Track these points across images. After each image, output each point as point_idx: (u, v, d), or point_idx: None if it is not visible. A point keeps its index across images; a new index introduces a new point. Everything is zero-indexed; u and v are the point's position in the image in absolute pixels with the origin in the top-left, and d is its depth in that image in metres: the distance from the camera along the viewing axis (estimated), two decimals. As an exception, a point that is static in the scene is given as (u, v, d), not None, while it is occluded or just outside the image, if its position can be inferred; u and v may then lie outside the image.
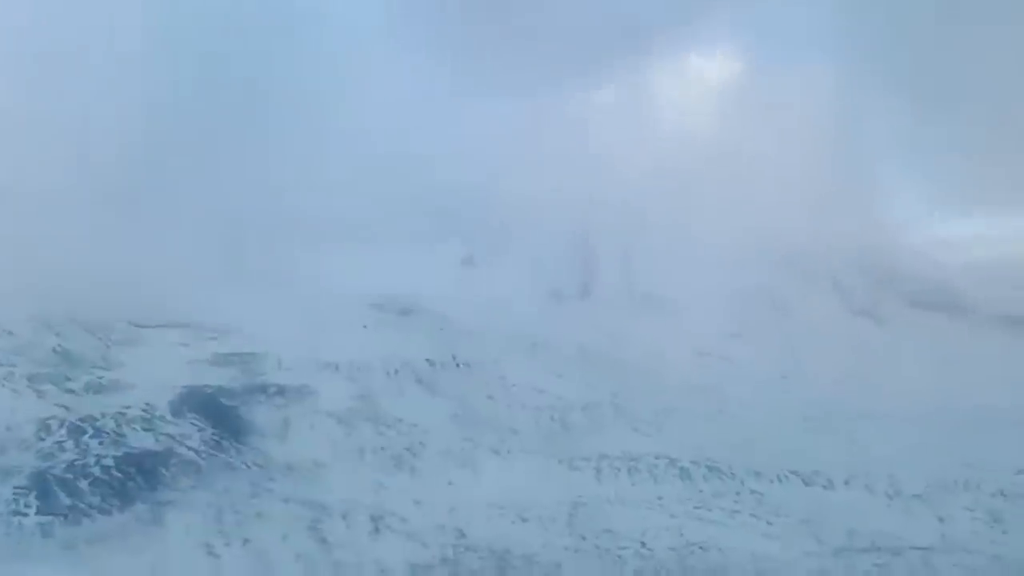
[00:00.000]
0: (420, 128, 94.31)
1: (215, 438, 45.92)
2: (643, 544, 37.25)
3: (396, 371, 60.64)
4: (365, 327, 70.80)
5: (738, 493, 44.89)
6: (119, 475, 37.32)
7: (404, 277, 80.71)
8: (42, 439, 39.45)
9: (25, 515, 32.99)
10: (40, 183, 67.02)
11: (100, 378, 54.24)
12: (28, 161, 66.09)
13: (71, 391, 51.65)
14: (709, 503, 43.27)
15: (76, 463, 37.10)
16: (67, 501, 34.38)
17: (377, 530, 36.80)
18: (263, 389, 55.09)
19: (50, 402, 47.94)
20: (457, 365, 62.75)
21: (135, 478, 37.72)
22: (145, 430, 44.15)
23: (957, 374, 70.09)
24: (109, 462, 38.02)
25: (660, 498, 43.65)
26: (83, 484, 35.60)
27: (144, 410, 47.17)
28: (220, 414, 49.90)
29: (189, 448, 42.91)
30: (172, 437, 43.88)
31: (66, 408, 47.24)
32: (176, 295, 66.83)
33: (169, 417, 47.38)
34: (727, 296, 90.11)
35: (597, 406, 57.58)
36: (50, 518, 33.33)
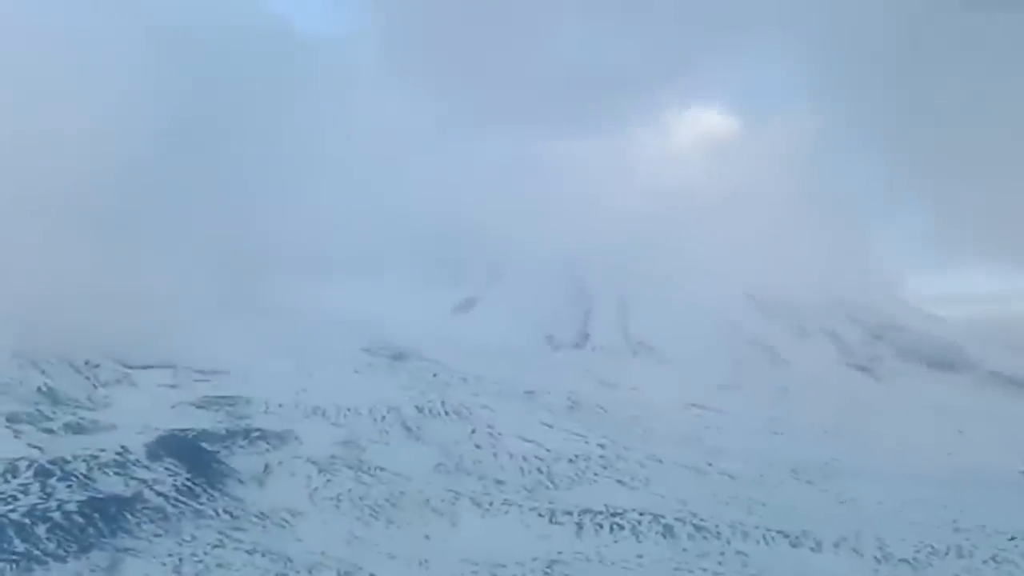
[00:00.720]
0: (417, 171, 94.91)
1: (188, 484, 45.04)
2: (617, 606, 36.06)
3: (383, 417, 59.83)
4: (356, 372, 70.29)
5: (722, 553, 43.59)
6: (80, 520, 36.48)
7: (399, 320, 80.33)
8: (7, 481, 38.69)
9: (-24, 562, 32.22)
10: (32, 219, 67.22)
11: (81, 419, 53.73)
12: (20, 198, 66.37)
13: (49, 431, 51.08)
14: (691, 563, 42.01)
15: (37, 507, 36.29)
16: (21, 547, 33.52)
17: (345, 585, 35.82)
18: (246, 434, 54.35)
19: (24, 442, 47.31)
20: (446, 412, 61.88)
21: (97, 524, 36.84)
22: (116, 474, 43.34)
23: (953, 432, 68.80)
24: (72, 507, 37.20)
25: (640, 557, 42.44)
26: (41, 529, 34.75)
27: (119, 453, 46.41)
28: (198, 459, 49.11)
29: (159, 494, 42.05)
30: (143, 482, 43.04)
31: (40, 449, 46.56)
32: (166, 334, 66.40)
33: (144, 461, 46.59)
34: (721, 347, 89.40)
35: (584, 458, 56.45)
36: (1, 564, 32.46)
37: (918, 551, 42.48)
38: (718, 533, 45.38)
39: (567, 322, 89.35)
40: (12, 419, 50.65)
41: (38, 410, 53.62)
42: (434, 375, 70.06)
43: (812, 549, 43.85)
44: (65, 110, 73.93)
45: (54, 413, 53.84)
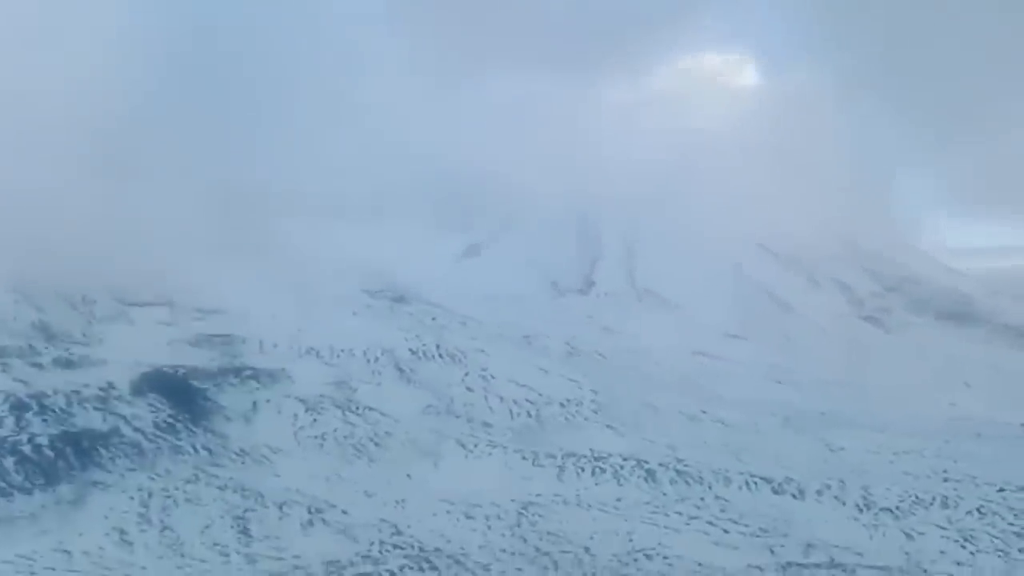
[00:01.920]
0: (425, 115, 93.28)
1: (169, 420, 45.06)
2: (586, 549, 35.55)
3: (376, 359, 59.51)
4: (354, 313, 69.84)
5: (702, 498, 42.97)
6: (50, 454, 36.56)
7: (403, 264, 79.67)
8: (-18, 414, 38.87)
9: (-60, 491, 32.38)
10: (30, 155, 66.79)
11: (72, 354, 53.71)
12: (17, 134, 65.86)
13: (38, 365, 51.12)
14: (668, 507, 41.43)
15: (8, 440, 36.38)
16: (-12, 479, 33.74)
17: (311, 523, 35.59)
18: (238, 372, 54.22)
19: (10, 376, 47.45)
20: (440, 355, 61.43)
21: (68, 457, 36.93)
22: (96, 409, 43.41)
23: (959, 385, 67.28)
24: (44, 440, 37.26)
25: (619, 500, 41.93)
26: (9, 462, 34.87)
27: (102, 389, 46.50)
28: (184, 395, 49.10)
29: (136, 429, 42.07)
30: (122, 417, 43.08)
31: (25, 383, 46.70)
32: (166, 272, 66.13)
33: (127, 397, 46.65)
34: (729, 295, 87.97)
35: (576, 403, 55.88)
36: (-35, 495, 32.70)
37: (902, 500, 41.52)
38: (700, 478, 44.75)
39: (573, 269, 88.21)
40: (1, 353, 50.84)
41: (30, 345, 53.62)
42: (433, 319, 69.46)
43: (794, 496, 43.08)
44: (66, 47, 73.15)
45: (46, 348, 53.85)
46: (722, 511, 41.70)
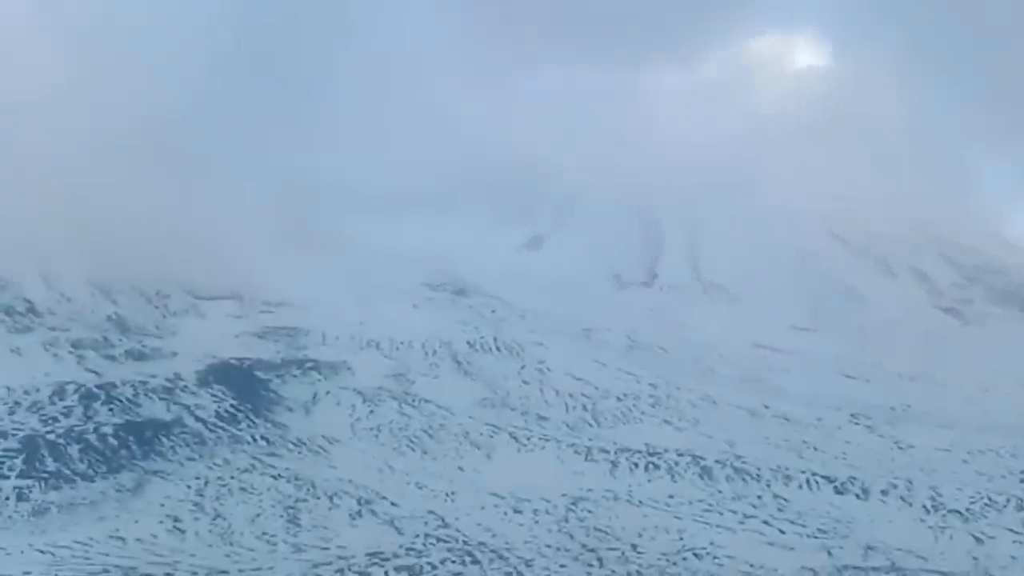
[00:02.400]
0: (483, 104, 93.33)
1: (232, 410, 46.30)
2: (634, 547, 35.13)
3: (434, 351, 59.94)
4: (415, 306, 70.55)
5: (759, 496, 42.01)
6: (114, 442, 37.96)
7: (465, 257, 79.93)
8: (53, 403, 40.56)
9: (7, 478, 33.88)
10: (105, 155, 69.37)
11: (144, 346, 55.65)
12: (92, 134, 68.50)
13: (111, 357, 53.14)
14: (723, 506, 40.61)
15: (75, 428, 37.94)
16: (52, 466, 35.16)
17: (360, 514, 36.05)
18: (300, 364, 55.37)
19: (83, 367, 49.49)
20: (497, 348, 61.52)
21: (130, 446, 38.28)
22: (162, 399, 44.89)
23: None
24: (108, 429, 38.72)
25: (672, 497, 41.30)
26: (74, 449, 36.36)
27: (169, 380, 48.06)
28: (248, 386, 50.36)
29: (198, 419, 43.35)
30: (186, 407, 44.46)
31: (96, 374, 48.67)
32: (235, 266, 67.94)
33: (192, 387, 48.12)
34: (799, 286, 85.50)
35: (633, 396, 55.26)
36: (30, 482, 34.13)
37: (973, 502, 39.87)
38: (758, 476, 43.74)
39: (636, 260, 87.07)
40: (77, 345, 52.85)
41: (104, 337, 55.69)
42: (492, 311, 69.59)
43: (857, 496, 41.77)
44: (135, 46, 75.67)
45: (120, 340, 55.85)
46: (780, 510, 40.70)
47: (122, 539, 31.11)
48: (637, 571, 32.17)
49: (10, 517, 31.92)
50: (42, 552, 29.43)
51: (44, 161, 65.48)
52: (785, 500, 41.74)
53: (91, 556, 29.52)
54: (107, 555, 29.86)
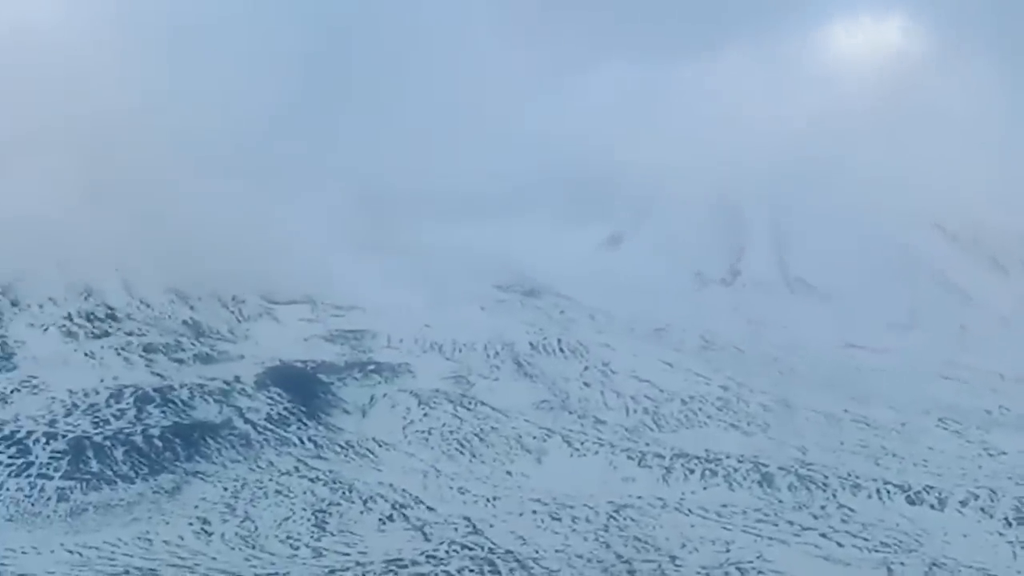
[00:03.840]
0: (554, 102, 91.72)
1: (285, 413, 46.70)
2: (673, 558, 33.32)
3: (496, 353, 59.19)
4: (482, 308, 69.98)
5: (823, 507, 39.36)
6: (159, 444, 38.72)
7: (540, 258, 78.75)
8: (108, 406, 41.75)
9: (51, 478, 34.93)
10: (186, 165, 71.76)
11: (213, 349, 56.96)
12: (173, 143, 70.92)
13: (179, 361, 54.54)
14: (781, 516, 38.21)
15: (123, 431, 38.91)
16: (96, 468, 36.07)
17: (391, 519, 35.54)
18: (363, 366, 55.52)
19: (150, 371, 50.93)
20: (561, 350, 60.10)
21: (175, 448, 38.97)
22: (216, 401, 45.66)
23: None
24: (155, 432, 39.57)
25: (724, 506, 39.14)
26: (119, 451, 37.22)
27: (227, 382, 48.89)
28: (307, 389, 50.77)
29: (247, 421, 43.85)
30: (239, 409, 45.07)
31: (161, 377, 49.99)
32: (310, 271, 69.08)
33: (249, 390, 48.79)
34: (896, 283, 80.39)
35: (700, 399, 52.95)
36: (73, 483, 35.08)
37: (1063, 516, 36.22)
38: (824, 485, 41.04)
39: (718, 257, 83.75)
40: (148, 349, 54.43)
41: (177, 341, 57.17)
42: (561, 312, 68.17)
43: (932, 507, 38.64)
44: (211, 55, 78.01)
45: (192, 345, 57.28)
46: (843, 521, 38.02)
47: (150, 540, 31.61)
48: (667, 585, 30.40)
49: (48, 517, 32.94)
50: (71, 552, 30.21)
51: (126, 172, 68.20)
52: (851, 511, 38.98)
53: (116, 557, 30.09)
54: (131, 556, 30.37)
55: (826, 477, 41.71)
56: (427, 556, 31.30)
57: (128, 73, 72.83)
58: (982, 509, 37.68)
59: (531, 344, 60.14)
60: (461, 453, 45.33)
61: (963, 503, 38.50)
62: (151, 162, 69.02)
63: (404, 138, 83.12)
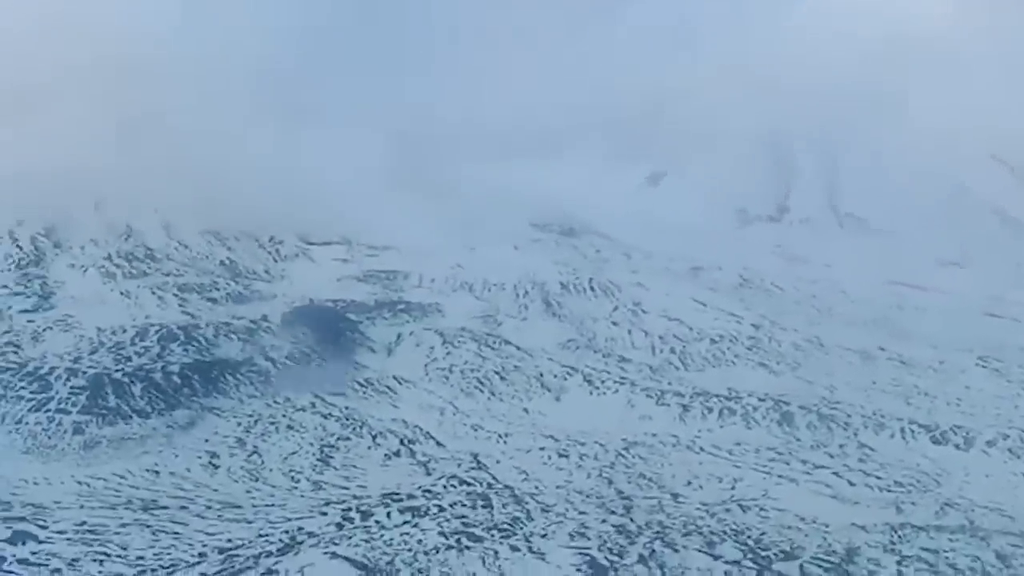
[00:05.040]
0: (591, 37, 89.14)
1: (308, 351, 47.23)
2: (675, 496, 32.87)
3: (526, 292, 58.87)
4: (516, 248, 69.40)
5: (841, 446, 38.38)
6: (177, 381, 39.59)
7: (581, 196, 77.56)
8: (133, 344, 42.75)
9: (68, 413, 36.03)
10: (223, 107, 72.21)
11: (247, 289, 57.81)
12: (209, 85, 71.38)
13: (212, 300, 55.38)
14: (796, 454, 37.40)
15: (143, 367, 39.83)
16: (114, 403, 37.07)
17: (397, 454, 35.89)
18: (392, 306, 55.75)
19: (182, 310, 52.00)
20: (591, 288, 59.48)
21: (193, 384, 39.82)
22: (241, 339, 46.33)
23: None
24: (175, 368, 40.46)
25: (738, 444, 38.45)
26: (137, 387, 38.18)
27: (253, 321, 49.64)
28: (334, 328, 51.22)
29: (268, 359, 44.51)
30: (261, 347, 45.74)
31: (192, 316, 51.01)
32: (348, 212, 69.36)
33: (275, 328, 49.51)
34: (951, 218, 77.12)
35: (731, 338, 51.89)
36: (89, 417, 36.17)
37: (1093, 458, 34.60)
38: (846, 424, 39.99)
39: (765, 194, 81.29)
40: (183, 289, 55.42)
41: (213, 281, 58.06)
42: (597, 251, 67.26)
43: (957, 447, 37.37)
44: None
45: (228, 284, 58.10)
46: (860, 461, 37.03)
47: (157, 473, 32.57)
48: (659, 521, 29.95)
49: (63, 450, 34.12)
50: (79, 483, 31.29)
51: (164, 115, 69.04)
52: (871, 450, 37.94)
53: (121, 489, 31.07)
54: (136, 488, 31.32)
55: (849, 416, 40.62)
56: (424, 490, 31.52)
57: (162, 16, 73.20)
58: (1010, 450, 36.29)
59: (562, 284, 59.54)
60: (480, 391, 45.40)
61: (990, 443, 37.12)
62: (189, 104, 69.71)
63: (443, 76, 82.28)
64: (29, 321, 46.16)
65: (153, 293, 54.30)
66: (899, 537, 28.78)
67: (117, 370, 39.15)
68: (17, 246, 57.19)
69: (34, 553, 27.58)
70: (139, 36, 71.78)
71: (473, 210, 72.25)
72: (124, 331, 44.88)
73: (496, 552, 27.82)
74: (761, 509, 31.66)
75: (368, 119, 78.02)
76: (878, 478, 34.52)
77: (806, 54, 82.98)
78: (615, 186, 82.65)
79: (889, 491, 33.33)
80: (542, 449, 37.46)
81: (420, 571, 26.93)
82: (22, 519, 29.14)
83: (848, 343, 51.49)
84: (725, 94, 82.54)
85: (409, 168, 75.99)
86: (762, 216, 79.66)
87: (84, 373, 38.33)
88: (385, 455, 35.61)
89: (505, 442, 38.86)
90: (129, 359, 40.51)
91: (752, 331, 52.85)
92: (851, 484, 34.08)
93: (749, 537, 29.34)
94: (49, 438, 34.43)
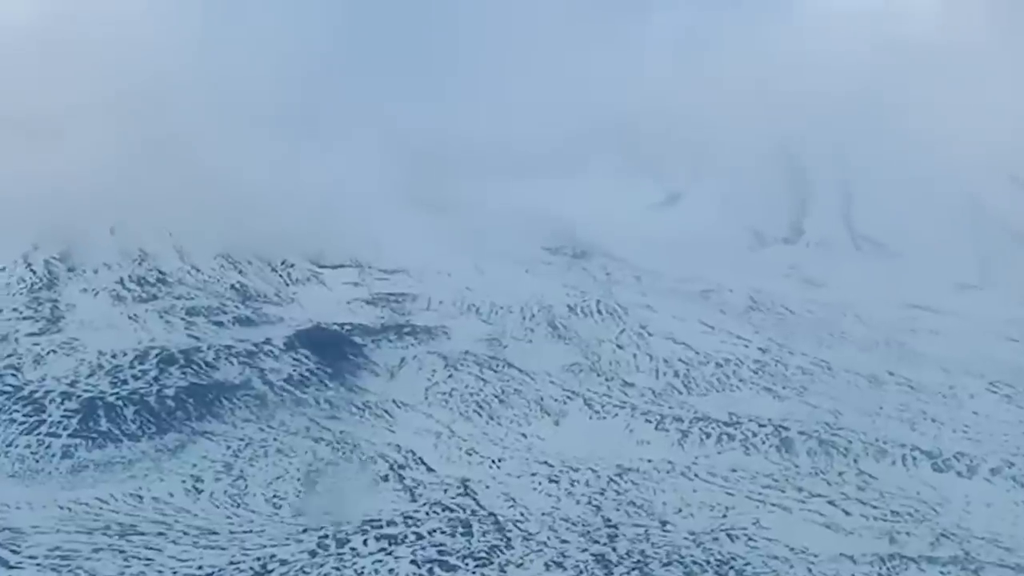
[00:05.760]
0: (604, 55, 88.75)
1: (308, 374, 47.19)
2: (663, 524, 32.22)
3: (532, 315, 58.53)
4: (527, 271, 69.19)
5: (841, 473, 37.44)
6: (171, 404, 39.71)
7: (593, 217, 77.09)
8: (131, 367, 43.02)
9: (58, 436, 36.21)
10: (237, 128, 72.90)
11: (256, 312, 58.18)
12: (220, 102, 72.03)
13: (218, 323, 55.52)
14: (793, 482, 36.53)
15: (139, 391, 40.05)
16: (105, 426, 37.23)
17: (386, 479, 35.57)
18: (399, 329, 55.62)
19: (187, 333, 52.34)
20: (599, 311, 58.99)
21: (187, 408, 39.91)
22: (242, 363, 46.49)
23: None
24: (170, 392, 40.61)
25: (734, 471, 37.66)
26: (129, 411, 38.35)
27: (255, 344, 49.59)
28: (337, 351, 51.10)
29: (266, 382, 44.55)
30: (261, 371, 45.82)
31: (196, 339, 51.33)
32: (358, 235, 69.58)
33: (277, 352, 49.58)
34: (970, 240, 75.68)
35: (736, 362, 51.13)
36: (79, 440, 36.31)
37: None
38: (847, 450, 39.05)
39: (780, 215, 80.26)
40: (191, 312, 55.58)
41: (222, 304, 58.31)
42: (607, 273, 66.79)
43: (959, 474, 36.32)
44: (258, 13, 78.70)
45: (237, 308, 58.20)
46: (859, 489, 36.10)
47: (140, 497, 32.55)
48: (642, 551, 29.33)
49: (50, 473, 34.25)
50: (61, 508, 31.31)
51: (178, 138, 69.93)
52: (871, 477, 36.98)
53: (101, 513, 31.07)
54: (117, 512, 31.31)
55: (850, 442, 39.68)
56: (406, 517, 31.18)
57: (175, 37, 74.26)
58: (1014, 478, 35.17)
59: (569, 306, 59.08)
60: (479, 415, 45.04)
61: (995, 471, 36.02)
62: (205, 128, 70.55)
63: (456, 95, 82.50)
64: (34, 344, 46.62)
65: (161, 317, 54.66)
66: (888, 569, 27.90)
67: (112, 394, 39.39)
68: (31, 270, 57.99)
69: (1, 578, 27.57)
70: (154, 61, 72.87)
71: (486, 231, 72.18)
72: (125, 354, 45.17)
73: (470, 581, 27.41)
74: (750, 539, 30.90)
75: (382, 139, 78.41)
76: (874, 507, 33.58)
77: (821, 72, 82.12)
78: (629, 206, 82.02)
79: (885, 520, 32.41)
80: (533, 475, 37.01)
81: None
82: (-4, 543, 29.08)
83: (857, 367, 50.46)
84: (740, 112, 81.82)
85: (423, 188, 76.22)
86: (777, 238, 78.75)
87: (79, 396, 38.61)
88: (373, 480, 35.35)
89: (498, 467, 38.45)
90: (125, 382, 40.75)
91: (759, 355, 52.03)
92: (846, 513, 33.18)
93: (732, 568, 28.64)
94: (37, 461, 34.63)
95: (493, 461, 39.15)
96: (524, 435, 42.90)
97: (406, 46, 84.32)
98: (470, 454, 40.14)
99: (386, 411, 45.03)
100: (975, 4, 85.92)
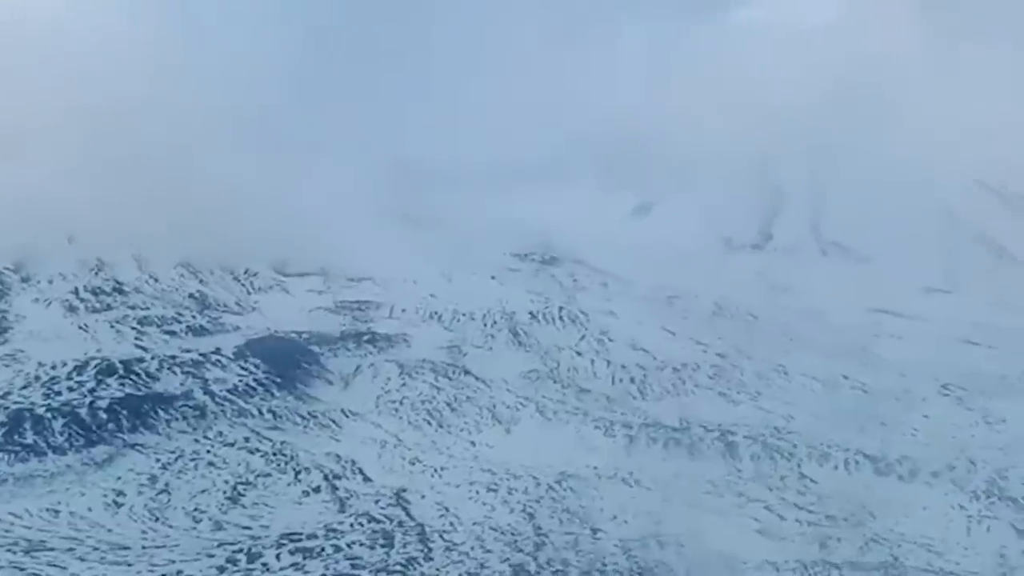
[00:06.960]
0: (576, 67, 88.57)
1: (255, 384, 46.38)
2: (594, 531, 31.49)
3: (494, 322, 57.97)
4: (493, 278, 68.52)
5: (783, 478, 36.86)
6: (103, 416, 38.91)
7: (568, 226, 76.61)
8: (69, 378, 42.20)
9: (-19, 449, 35.54)
10: (200, 137, 72.21)
11: (213, 322, 57.31)
12: (186, 116, 71.36)
13: (171, 332, 54.62)
14: (733, 487, 35.95)
15: (71, 403, 39.24)
16: (31, 439, 36.42)
17: (317, 490, 34.78)
18: (358, 337, 54.85)
19: (135, 344, 51.46)
20: (560, 318, 58.42)
21: (120, 420, 39.12)
22: (185, 373, 45.70)
23: None
24: (103, 403, 39.81)
25: (677, 476, 37.02)
26: (58, 423, 37.55)
27: (203, 354, 48.80)
28: (290, 360, 50.42)
29: (208, 392, 43.76)
30: (204, 381, 45.00)
31: (144, 350, 50.48)
32: (324, 243, 68.81)
33: (224, 361, 48.68)
34: (936, 245, 75.22)
35: (693, 367, 50.59)
36: (1, 454, 35.48)
37: (1040, 494, 32.69)
38: (791, 455, 38.47)
39: (750, 222, 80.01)
40: (143, 322, 54.56)
41: (178, 314, 57.30)
42: (574, 280, 66.31)
43: (900, 478, 35.78)
44: (223, 21, 78.17)
45: (194, 317, 57.19)
46: (799, 493, 35.53)
47: (56, 512, 31.71)
48: (564, 559, 28.63)
49: (-37, 487, 33.47)
50: (-27, 523, 30.58)
51: (138, 146, 69.15)
52: (812, 481, 36.39)
53: (13, 528, 30.21)
54: (29, 528, 30.47)
55: (795, 446, 39.09)
56: (329, 529, 30.41)
57: (138, 43, 73.67)
58: (952, 481, 34.55)
59: (531, 313, 58.44)
60: (429, 423, 44.27)
61: (935, 475, 35.42)
62: (164, 135, 69.72)
63: (429, 107, 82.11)
64: (-24, 356, 45.88)
65: (112, 327, 53.63)
66: (811, 575, 27.12)
67: (43, 405, 38.54)
68: (-19, 280, 57.24)
69: None
70: (117, 72, 72.26)
71: (456, 240, 71.52)
72: (64, 365, 44.35)
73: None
74: (680, 545, 30.21)
75: (357, 151, 77.91)
76: (811, 511, 32.99)
77: (791, 85, 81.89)
78: (602, 215, 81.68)
79: (819, 525, 31.79)
80: (471, 484, 36.28)
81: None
82: None
83: (814, 372, 49.97)
84: (713, 124, 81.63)
85: (395, 197, 75.56)
86: (746, 244, 78.31)
87: (7, 409, 37.77)
88: (303, 492, 34.57)
89: (439, 476, 37.69)
90: (59, 394, 39.90)
91: (717, 360, 51.54)
92: (782, 518, 32.55)
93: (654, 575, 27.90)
94: (-44, 476, 33.86)
95: (435, 470, 38.41)
96: (473, 443, 42.19)
97: (380, 59, 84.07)
98: (413, 463, 39.38)
99: (333, 420, 44.27)
100: (942, 16, 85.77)
